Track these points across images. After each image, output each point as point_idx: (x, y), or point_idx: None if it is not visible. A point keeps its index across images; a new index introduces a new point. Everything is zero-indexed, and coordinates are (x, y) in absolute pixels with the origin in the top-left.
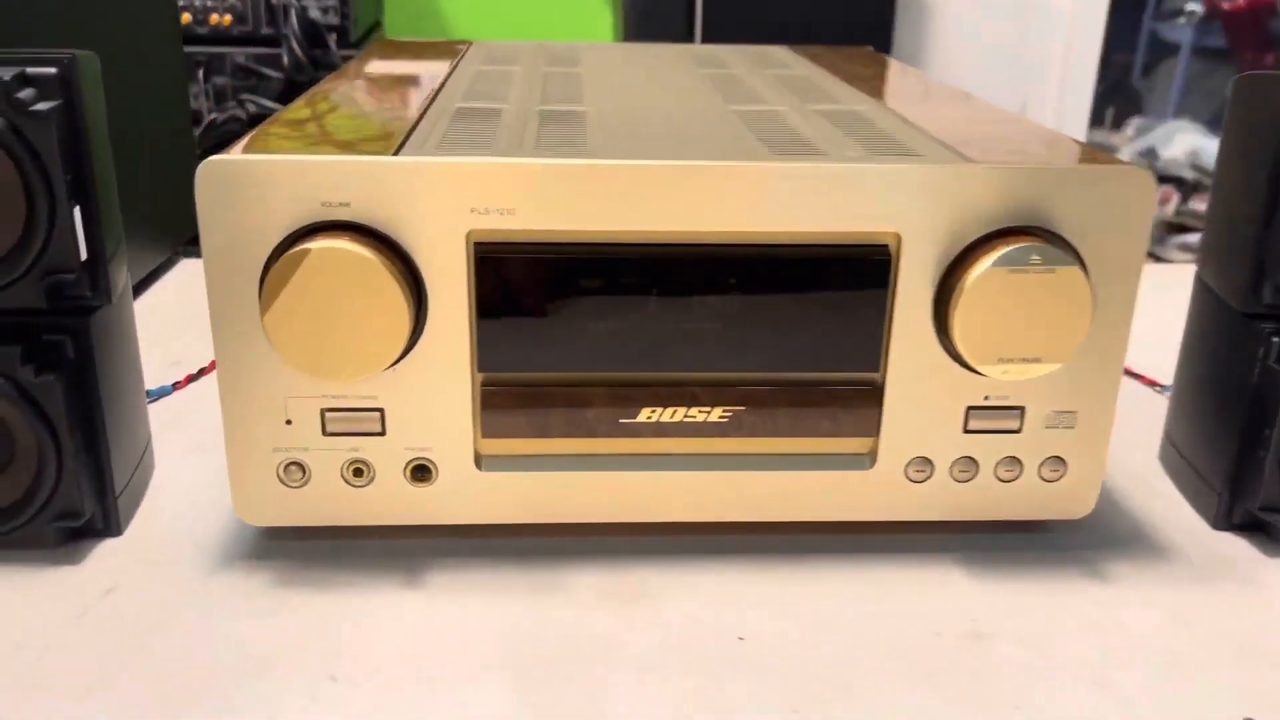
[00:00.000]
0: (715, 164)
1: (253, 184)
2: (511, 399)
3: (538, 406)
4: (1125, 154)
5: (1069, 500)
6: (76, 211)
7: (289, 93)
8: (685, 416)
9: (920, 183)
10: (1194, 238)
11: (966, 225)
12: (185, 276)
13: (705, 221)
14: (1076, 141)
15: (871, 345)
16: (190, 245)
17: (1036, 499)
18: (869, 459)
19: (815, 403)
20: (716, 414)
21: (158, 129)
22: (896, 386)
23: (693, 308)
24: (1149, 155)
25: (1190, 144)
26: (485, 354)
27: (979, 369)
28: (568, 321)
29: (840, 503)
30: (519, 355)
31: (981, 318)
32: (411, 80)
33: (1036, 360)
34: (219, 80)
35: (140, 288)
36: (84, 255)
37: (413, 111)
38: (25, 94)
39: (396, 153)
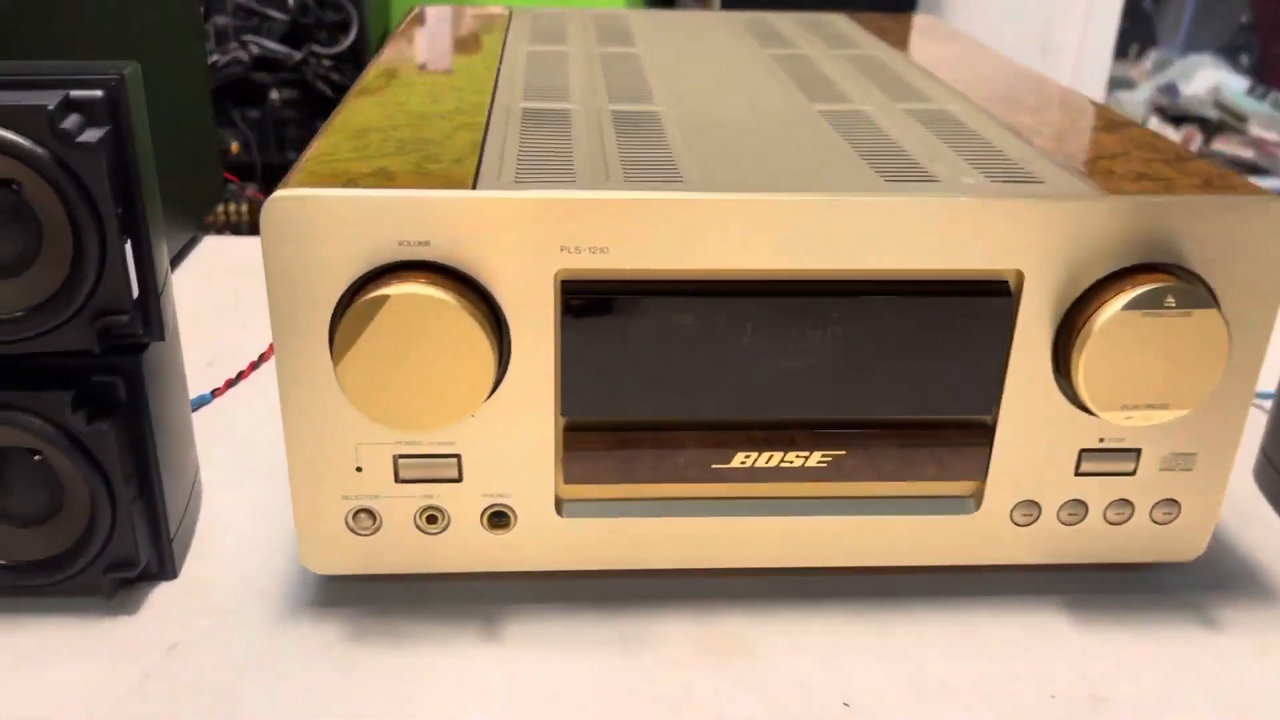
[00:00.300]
0: (825, 198)
1: (324, 223)
2: (596, 443)
3: (624, 450)
4: (1145, 91)
5: (1179, 543)
6: (128, 246)
7: (293, 35)
8: (782, 462)
9: (1047, 219)
10: None
11: (1093, 261)
12: (210, 258)
13: (811, 258)
14: (1201, 158)
15: (987, 387)
16: (213, 223)
17: (1144, 542)
18: (973, 502)
19: (922, 446)
20: (815, 459)
21: (174, 100)
22: (1008, 428)
23: (795, 348)
24: (1169, 92)
25: (1211, 80)
26: (570, 398)
27: (1100, 415)
28: (660, 364)
29: (941, 547)
30: (606, 399)
31: (1107, 363)
32: (464, 68)
33: (1163, 406)
34: (220, 20)
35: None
36: (136, 293)
37: (477, 114)
38: (70, 123)
39: (475, 184)
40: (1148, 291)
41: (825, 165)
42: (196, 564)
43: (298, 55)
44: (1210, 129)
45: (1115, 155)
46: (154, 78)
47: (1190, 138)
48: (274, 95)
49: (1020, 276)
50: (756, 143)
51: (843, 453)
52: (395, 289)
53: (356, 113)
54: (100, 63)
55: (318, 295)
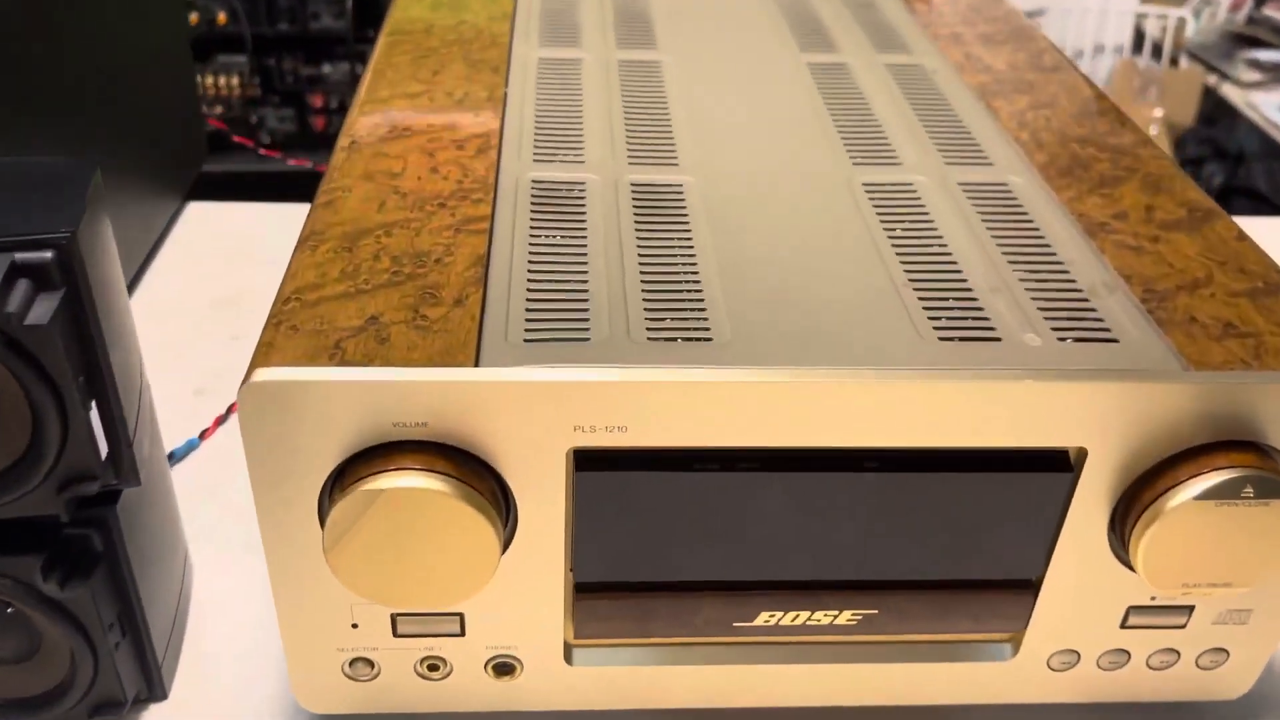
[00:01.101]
0: (872, 380)
1: (309, 407)
2: (610, 602)
3: (639, 607)
4: None
5: (1222, 683)
6: (93, 411)
7: None
8: (809, 620)
9: (1119, 400)
10: (1267, 53)
11: (1166, 438)
12: (197, 234)
13: (851, 435)
14: None
15: (1035, 553)
16: (198, 188)
17: (1187, 684)
18: (1010, 649)
19: (960, 604)
20: (845, 616)
21: (151, 57)
22: (1054, 585)
23: (830, 520)
24: None
25: None
26: (583, 563)
27: (1158, 592)
28: (682, 534)
29: (972, 689)
30: (622, 563)
31: (1172, 548)
32: (467, 97)
33: (1226, 585)
34: None
35: (150, 254)
36: (104, 453)
37: (480, 201)
38: (17, 300)
39: (479, 353)
40: (1224, 482)
41: (871, 306)
42: (188, 679)
43: None
44: None
45: (1198, 284)
46: (128, 33)
47: (1240, 2)
48: None
49: (1083, 452)
50: (793, 264)
51: (874, 611)
52: (388, 481)
53: (345, 195)
54: (49, 212)
55: (304, 477)
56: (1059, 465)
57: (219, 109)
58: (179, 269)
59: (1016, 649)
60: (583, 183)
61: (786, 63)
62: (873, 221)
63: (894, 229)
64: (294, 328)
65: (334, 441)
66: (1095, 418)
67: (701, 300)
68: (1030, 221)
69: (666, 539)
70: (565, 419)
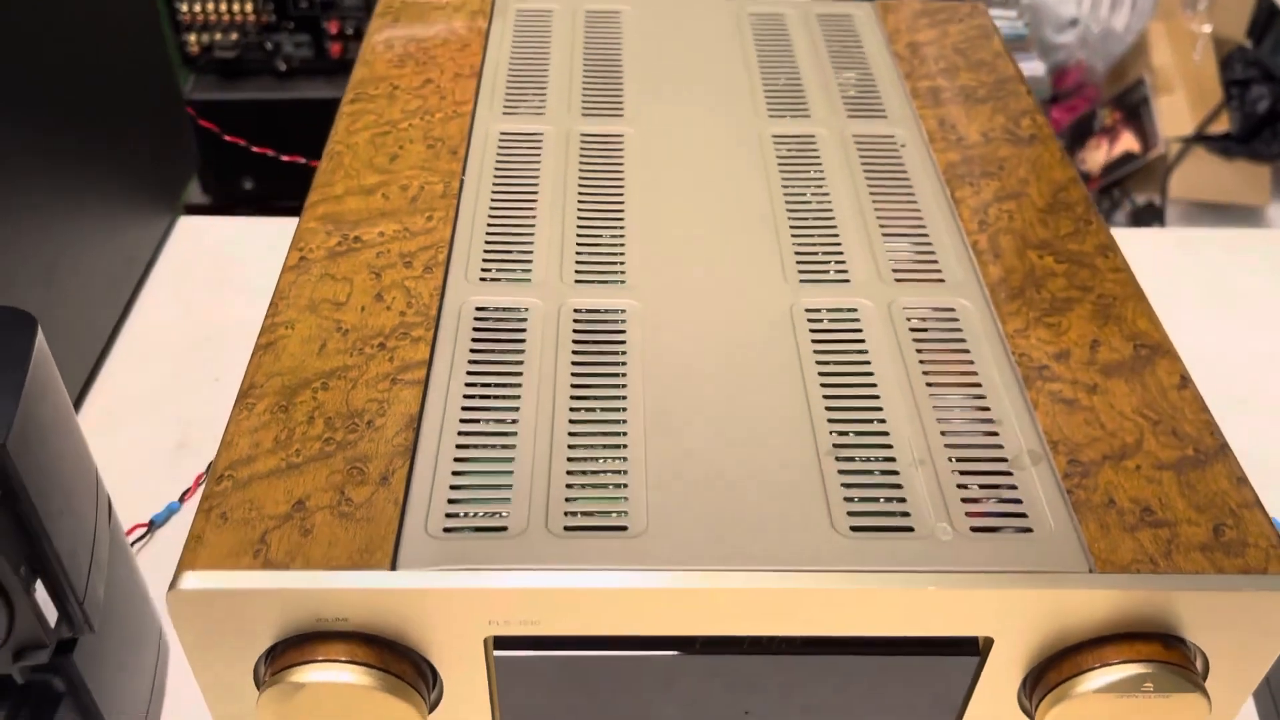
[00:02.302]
0: (781, 582)
1: (233, 608)
2: None
3: None
4: None
5: None
6: (38, 589)
7: None
8: None
9: (1026, 600)
10: None
11: (1069, 631)
12: (188, 253)
13: (763, 626)
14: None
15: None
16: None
17: None
18: None
19: None
20: None
21: (137, 73)
22: None
23: (744, 699)
24: None
25: None
26: None
27: None
28: (599, 714)
29: None
30: None
31: None
32: (411, 199)
33: None
34: None
35: (144, 274)
36: (54, 620)
37: (419, 342)
38: None
39: (396, 553)
40: (1127, 677)
41: (791, 486)
42: None
43: None
44: None
45: (1125, 453)
46: (111, 48)
47: None
48: None
49: (989, 640)
50: (722, 426)
51: None
52: (312, 674)
53: (286, 336)
54: None
55: (239, 662)
56: (966, 650)
57: (234, 36)
58: (166, 299)
59: None
60: (525, 310)
61: (752, 137)
62: (808, 362)
63: (828, 370)
64: (224, 516)
65: (262, 634)
66: (1002, 613)
67: (624, 477)
68: (970, 364)
69: (586, 716)
70: (480, 615)
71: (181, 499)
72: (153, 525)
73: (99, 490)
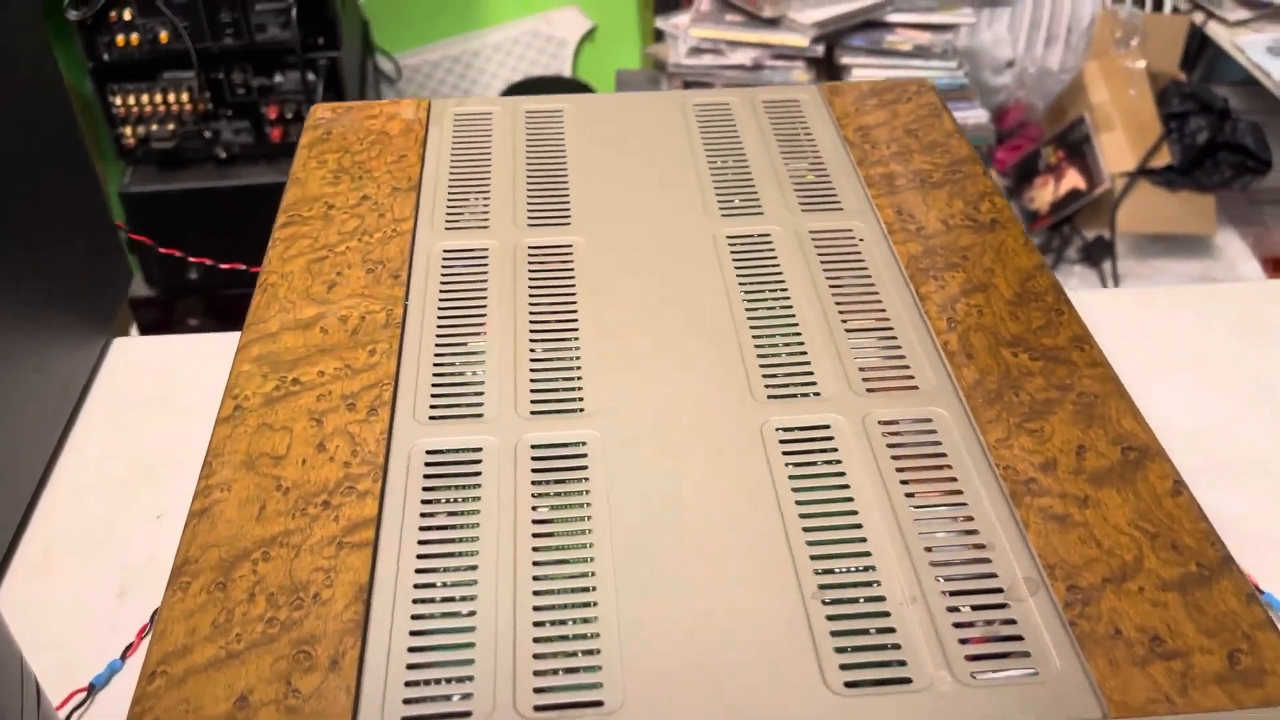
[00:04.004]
0: None
1: None
2: None
3: None
4: None
5: None
6: None
7: None
8: None
9: None
10: None
11: None
12: (123, 379)
13: None
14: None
15: None
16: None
17: None
18: None
19: None
20: None
21: (60, 197)
22: None
23: None
24: None
25: None
26: None
27: None
28: None
29: None
30: None
31: None
32: (352, 332)
33: None
34: None
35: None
36: None
37: (366, 497)
38: None
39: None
40: None
41: (777, 640)
42: None
43: None
44: None
45: (1126, 573)
46: (33, 165)
47: None
48: None
49: None
50: (697, 577)
51: None
52: None
53: (222, 499)
54: None
55: None
56: None
57: (171, 126)
58: (103, 427)
59: None
60: (479, 450)
61: (706, 240)
62: (783, 488)
63: (805, 498)
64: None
65: None
66: None
67: (595, 642)
68: (954, 480)
69: None
70: None
71: (123, 656)
72: (93, 689)
73: (24, 675)
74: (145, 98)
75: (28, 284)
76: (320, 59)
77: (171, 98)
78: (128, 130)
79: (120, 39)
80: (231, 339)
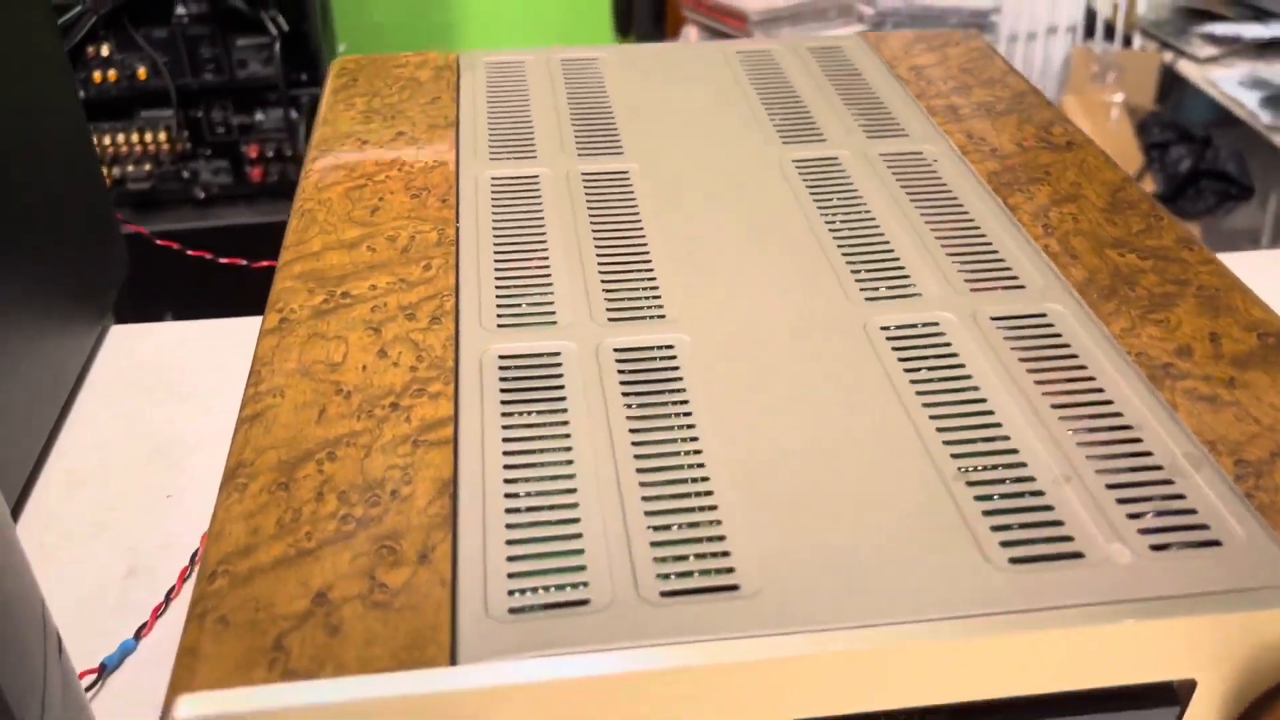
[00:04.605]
0: (941, 639)
1: None
2: None
3: None
4: None
5: None
6: None
7: None
8: None
9: (1230, 632)
10: (1221, 26)
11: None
12: (121, 366)
13: (921, 694)
14: None
15: None
16: (117, 305)
17: None
18: None
19: None
20: None
21: (61, 180)
22: None
23: None
24: None
25: None
26: None
27: None
28: None
29: None
30: None
31: None
32: (403, 250)
33: None
34: None
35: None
36: None
37: (440, 397)
38: None
39: (454, 647)
40: None
41: (922, 516)
42: None
43: None
44: None
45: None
46: (34, 149)
47: None
48: (180, 10)
49: (1191, 684)
50: (820, 462)
51: None
52: None
53: (276, 403)
54: None
55: None
56: (1163, 700)
57: (148, 167)
58: (102, 414)
59: None
60: (557, 353)
61: (771, 161)
62: (900, 381)
63: (925, 389)
64: (223, 621)
65: None
66: (1205, 648)
67: (720, 530)
68: (1084, 369)
69: None
70: (569, 715)
71: (137, 636)
72: (104, 670)
73: (46, 622)
74: (122, 137)
75: (27, 269)
76: (303, 96)
77: (149, 137)
78: (104, 172)
79: (97, 75)
80: (233, 324)
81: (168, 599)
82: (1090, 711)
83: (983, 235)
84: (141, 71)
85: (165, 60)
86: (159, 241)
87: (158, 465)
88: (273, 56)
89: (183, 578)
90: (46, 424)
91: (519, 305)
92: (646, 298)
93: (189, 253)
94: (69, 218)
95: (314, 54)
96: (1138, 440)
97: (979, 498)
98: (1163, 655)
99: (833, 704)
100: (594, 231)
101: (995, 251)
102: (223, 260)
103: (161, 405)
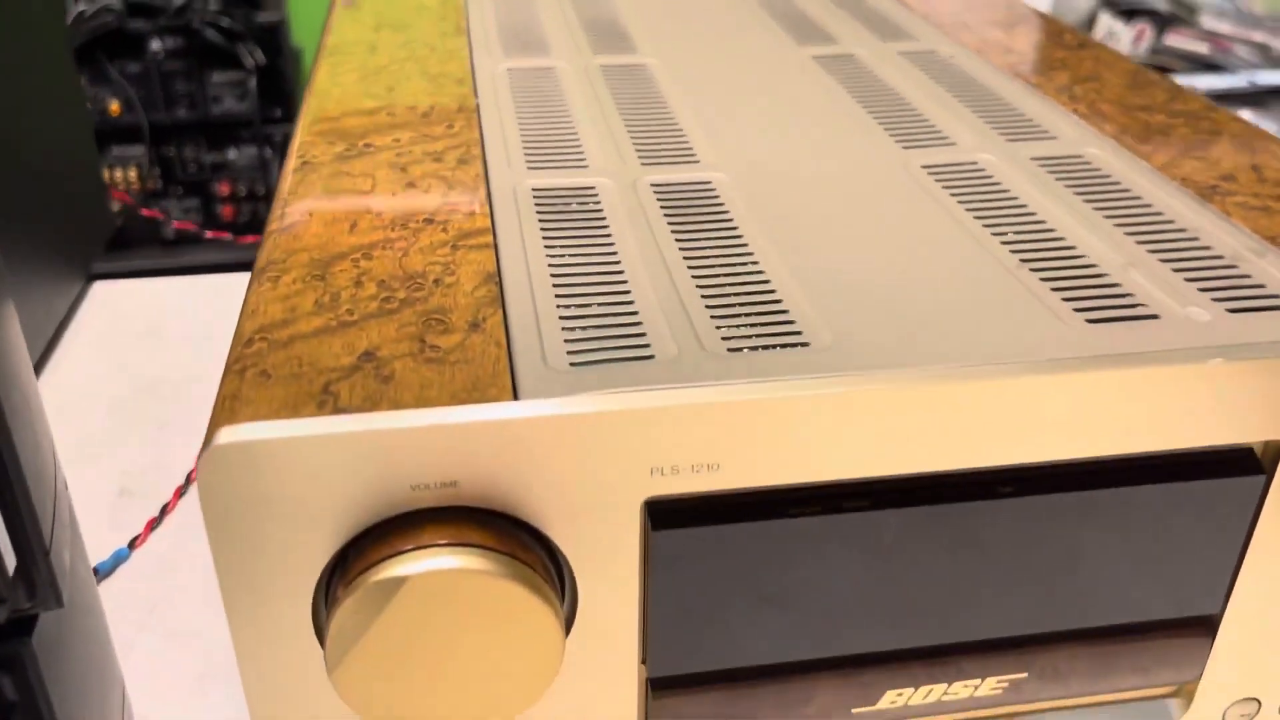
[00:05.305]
0: (1035, 376)
1: (293, 473)
2: (697, 704)
3: (733, 706)
4: None
5: None
6: None
7: None
8: (945, 694)
9: None
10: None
11: None
12: (106, 316)
13: (1004, 450)
14: None
15: (1217, 580)
16: (103, 263)
17: None
18: (1180, 705)
19: (1123, 655)
20: (988, 685)
21: (47, 127)
22: (1237, 623)
23: (964, 563)
24: None
25: None
26: (661, 655)
27: None
28: (785, 604)
29: None
30: (711, 647)
31: None
32: (433, 99)
33: None
34: None
35: (52, 342)
36: (12, 565)
37: (476, 210)
38: None
39: (515, 384)
40: None
41: (988, 292)
42: None
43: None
44: (1162, 22)
45: None
46: (21, 101)
47: (1142, 33)
48: (155, 45)
49: (1275, 448)
50: (872, 244)
51: (1023, 675)
52: (413, 565)
53: (307, 211)
54: None
55: (293, 571)
56: (1248, 468)
57: (117, 206)
58: (86, 357)
59: (1188, 705)
60: (592, 187)
61: (788, 57)
62: (949, 204)
63: (977, 209)
64: (264, 373)
65: (332, 518)
66: None
67: (779, 302)
68: (1128, 191)
69: (768, 610)
70: (641, 460)
71: (131, 545)
72: (97, 574)
73: (56, 460)
74: None
75: (10, 219)
76: (276, 134)
77: (119, 175)
78: None
79: None
80: (220, 279)
81: (163, 513)
82: (1174, 479)
83: (1008, 102)
84: (114, 106)
85: (140, 94)
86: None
87: (147, 400)
88: (248, 92)
89: (178, 495)
90: (32, 357)
91: (546, 151)
92: (676, 145)
93: (174, 224)
94: (57, 173)
95: (288, 92)
96: (1195, 239)
97: (1045, 279)
98: (1249, 408)
99: (906, 459)
100: (616, 99)
101: (1023, 113)
102: (208, 234)
103: (149, 349)
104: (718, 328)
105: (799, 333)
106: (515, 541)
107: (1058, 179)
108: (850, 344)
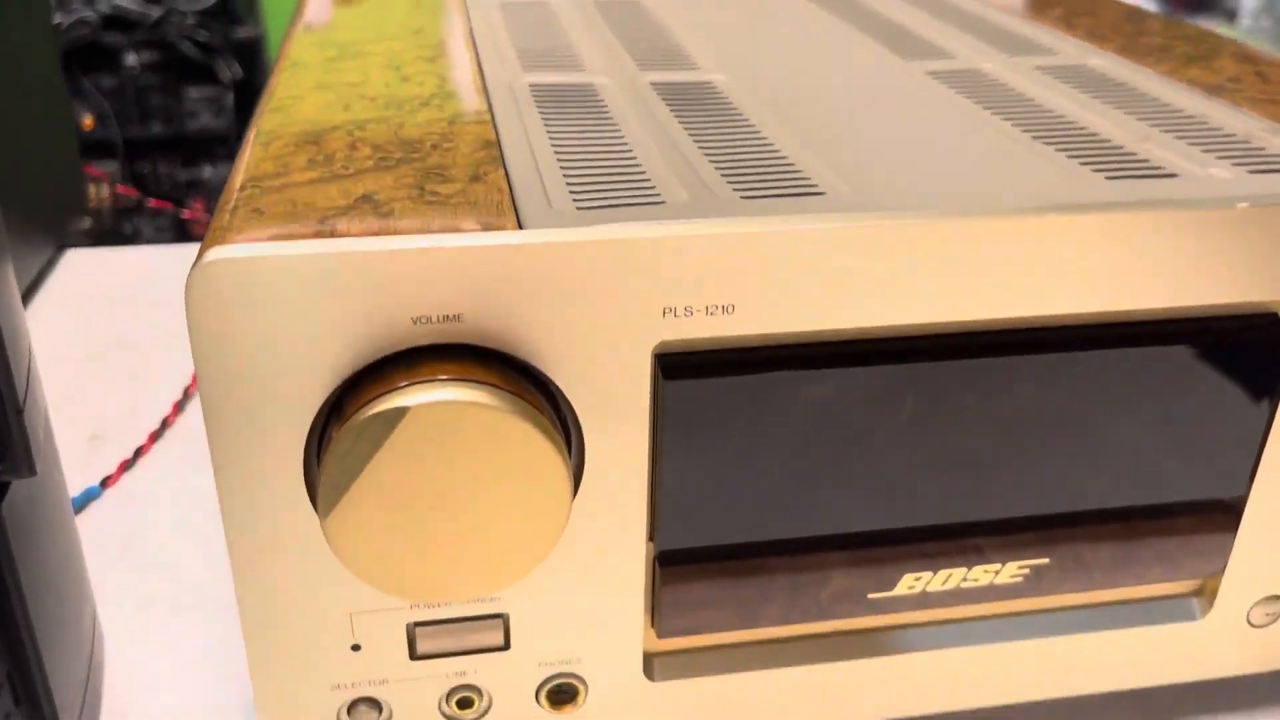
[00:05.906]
0: (1060, 217)
1: (291, 297)
2: (706, 581)
3: (745, 587)
4: None
5: None
6: None
7: None
8: (964, 580)
9: None
10: None
11: None
12: (77, 281)
13: (1026, 301)
14: None
15: (1242, 460)
16: (76, 236)
17: None
18: (1202, 604)
19: (1146, 542)
20: (1009, 572)
21: (21, 94)
22: (1260, 509)
23: (984, 429)
24: None
25: None
26: (671, 521)
27: None
28: (802, 469)
29: (1150, 664)
30: (722, 519)
31: None
32: (421, 32)
33: None
34: None
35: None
36: None
37: (471, 97)
38: None
39: (519, 216)
40: None
41: (1005, 153)
42: None
43: (156, 13)
44: None
45: None
46: (6, 79)
47: None
48: (130, 59)
49: None
50: (881, 123)
51: (1045, 560)
52: (414, 396)
53: (295, 102)
54: None
55: (284, 405)
56: (1267, 328)
57: (88, 222)
58: (59, 314)
59: (1210, 604)
60: (590, 84)
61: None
62: (957, 98)
63: (985, 102)
64: (257, 210)
65: (329, 352)
66: None
67: (787, 159)
68: (1135, 89)
69: (782, 478)
70: (653, 297)
71: (103, 484)
72: None
73: (29, 342)
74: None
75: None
76: None
77: (92, 191)
78: None
79: None
80: (195, 250)
81: (137, 455)
82: (1188, 341)
83: (1004, 26)
84: (88, 121)
85: (116, 108)
86: (120, 189)
87: (119, 355)
88: (224, 107)
89: (153, 438)
90: None
91: (542, 54)
92: (677, 52)
93: (151, 203)
94: (36, 137)
95: None
96: (1206, 122)
97: (1060, 149)
98: (1274, 262)
99: (925, 306)
100: (612, 30)
101: (1022, 35)
102: (185, 214)
103: (121, 309)
104: (729, 182)
105: (814, 184)
106: (521, 385)
107: (1063, 82)
108: (868, 193)
